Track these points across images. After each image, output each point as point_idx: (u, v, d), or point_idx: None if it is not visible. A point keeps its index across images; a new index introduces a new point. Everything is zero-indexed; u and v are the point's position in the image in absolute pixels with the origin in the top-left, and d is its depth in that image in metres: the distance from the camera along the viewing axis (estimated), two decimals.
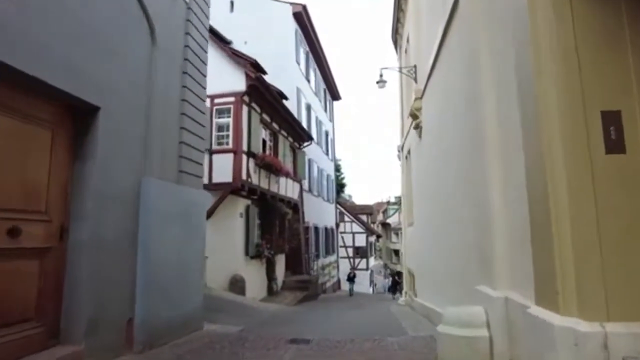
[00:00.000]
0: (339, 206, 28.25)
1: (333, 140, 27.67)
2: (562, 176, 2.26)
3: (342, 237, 28.74)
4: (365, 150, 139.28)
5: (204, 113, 7.00)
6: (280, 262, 14.39)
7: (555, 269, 2.22)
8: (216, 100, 11.15)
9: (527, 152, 2.64)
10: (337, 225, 27.23)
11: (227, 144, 10.85)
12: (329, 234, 24.40)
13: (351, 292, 21.66)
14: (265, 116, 12.67)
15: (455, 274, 5.29)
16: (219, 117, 11.10)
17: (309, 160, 19.65)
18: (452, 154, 5.56)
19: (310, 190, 19.56)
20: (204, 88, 7.13)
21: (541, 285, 2.46)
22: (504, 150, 3.38)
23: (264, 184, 12.31)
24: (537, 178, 2.45)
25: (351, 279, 22.44)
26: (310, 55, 21.80)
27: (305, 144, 17.20)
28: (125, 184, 4.60)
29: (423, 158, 8.50)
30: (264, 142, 12.83)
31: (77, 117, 3.67)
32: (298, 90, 18.07)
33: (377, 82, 9.21)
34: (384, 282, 36.69)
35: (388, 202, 69.31)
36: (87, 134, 3.79)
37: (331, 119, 27.74)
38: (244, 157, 10.93)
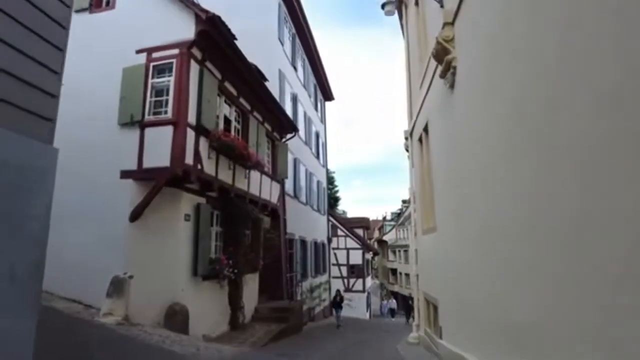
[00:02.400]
0: (331, 218, 24.83)
1: (325, 145, 24.49)
2: None
3: (335, 254, 25.19)
4: (359, 166, 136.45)
5: None
6: (251, 284, 10.93)
7: None
8: (154, 55, 7.91)
9: None
10: (330, 240, 23.76)
11: (166, 112, 7.56)
12: (320, 249, 20.94)
13: (339, 323, 16.59)
14: (229, 86, 9.44)
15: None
16: (158, 77, 7.85)
17: (295, 160, 16.39)
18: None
19: (295, 196, 16.23)
20: None
21: None
22: None
23: (225, 177, 8.98)
24: None
25: (338, 303, 17.27)
26: (298, 41, 18.80)
27: (289, 136, 13.94)
28: None
29: (459, 122, 5.27)
30: (228, 121, 9.56)
31: None
32: (281, 75, 14.94)
33: (383, 7, 6.07)
34: (381, 304, 33.03)
35: (384, 219, 66.11)
36: None
37: (323, 120, 24.65)
38: (191, 133, 7.64)
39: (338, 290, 18.37)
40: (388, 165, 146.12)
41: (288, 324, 10.81)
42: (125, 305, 6.92)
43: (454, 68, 5.28)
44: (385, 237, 56.11)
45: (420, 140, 8.53)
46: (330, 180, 40.55)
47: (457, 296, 5.54)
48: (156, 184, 7.33)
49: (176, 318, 7.26)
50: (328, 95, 25.48)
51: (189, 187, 8.02)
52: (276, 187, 12.62)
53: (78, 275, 7.38)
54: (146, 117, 7.63)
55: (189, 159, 7.53)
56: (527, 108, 3.23)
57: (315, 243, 19.93)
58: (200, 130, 7.88)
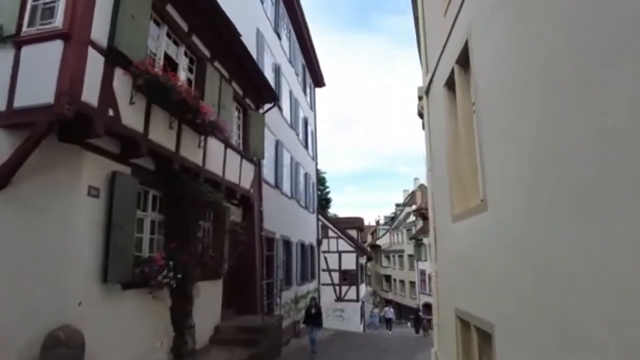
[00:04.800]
0: (321, 218, 22.02)
1: (315, 134, 21.79)
2: None
3: (325, 258, 22.35)
4: (351, 172, 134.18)
5: None
6: (210, 295, 8.09)
7: None
8: None
9: None
10: (319, 242, 20.94)
11: (55, 22, 4.77)
12: (307, 252, 18.14)
13: (313, 348, 11.67)
14: (173, 13, 6.69)
15: None
16: None
17: (277, 143, 13.64)
18: None
19: (277, 186, 13.45)
20: None
21: None
22: None
23: (162, 139, 6.19)
24: None
25: (313, 319, 12.07)
26: (283, 9, 16.15)
27: (267, 106, 11.20)
28: None
29: None
30: (173, 65, 6.78)
31: None
32: (259, 35, 12.23)
33: None
34: (372, 312, 30.16)
35: (378, 223, 63.38)
36: None
37: (313, 107, 21.98)
38: (96, 57, 4.85)
39: (313, 300, 13.19)
40: (380, 172, 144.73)
41: (259, 348, 7.98)
42: None
43: None
44: (378, 242, 53.45)
45: (448, 84, 5.83)
46: (322, 181, 37.78)
47: (556, 321, 2.78)
48: (32, 132, 4.52)
49: (58, 352, 4.40)
50: (319, 81, 22.83)
51: (97, 146, 5.21)
52: (249, 168, 9.82)
53: None
54: (24, 29, 4.82)
55: (92, 98, 4.74)
56: None
57: (302, 245, 17.13)
58: (114, 57, 5.10)
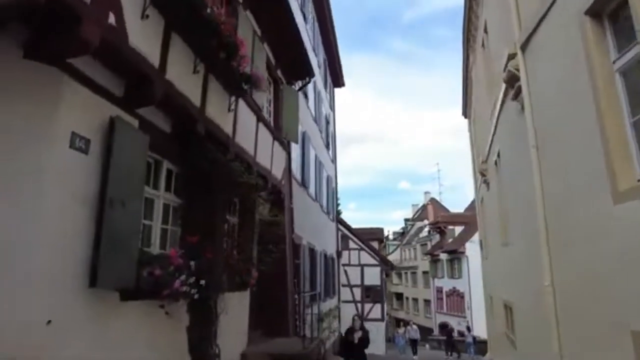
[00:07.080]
0: (341, 227, 20.03)
1: (334, 136, 20.04)
2: None
3: (346, 272, 20.24)
4: (352, 189, 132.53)
5: None
6: (237, 310, 6.14)
7: None
8: None
9: None
10: (339, 254, 18.91)
11: None
12: (329, 264, 16.14)
13: None
14: None
15: None
16: None
17: (304, 135, 11.84)
18: None
19: (304, 185, 11.59)
20: None
21: None
22: None
23: (184, 86, 4.36)
24: None
25: (356, 349, 8.80)
26: None
27: (300, 83, 9.44)
28: None
29: None
30: None
31: None
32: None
33: None
34: (399, 333, 27.79)
35: (387, 238, 61.12)
36: None
37: (332, 107, 20.28)
38: None
39: (356, 319, 9.32)
40: (381, 188, 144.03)
41: None
42: None
43: None
44: (389, 258, 51.14)
45: (594, 9, 4.00)
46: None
47: None
48: None
49: None
50: (338, 80, 21.16)
51: (89, 77, 3.38)
52: (280, 153, 7.98)
53: None
54: None
55: None
56: None
57: (325, 255, 15.15)
58: None
